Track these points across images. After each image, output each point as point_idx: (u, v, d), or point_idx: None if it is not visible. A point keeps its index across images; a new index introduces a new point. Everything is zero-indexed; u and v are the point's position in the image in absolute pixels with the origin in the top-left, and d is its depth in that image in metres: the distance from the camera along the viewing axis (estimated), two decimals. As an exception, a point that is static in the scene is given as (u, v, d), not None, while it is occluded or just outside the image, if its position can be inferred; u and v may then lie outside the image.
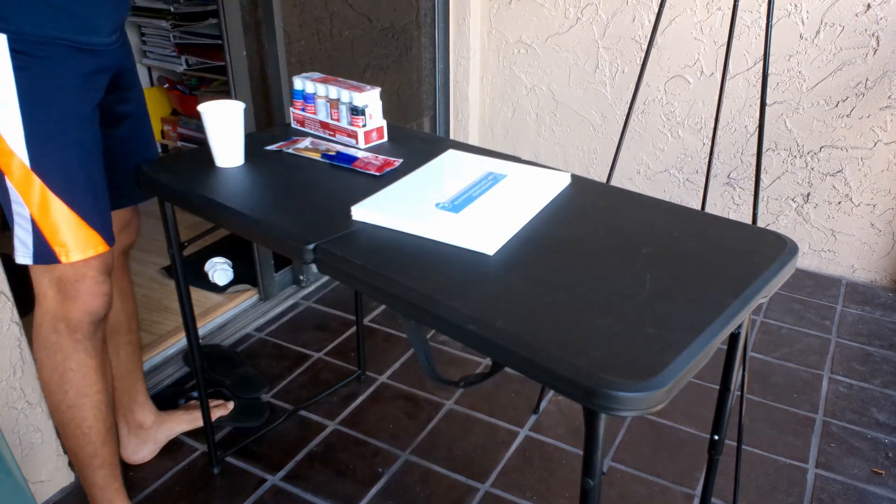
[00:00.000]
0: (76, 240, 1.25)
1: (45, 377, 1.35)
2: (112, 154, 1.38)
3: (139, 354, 1.68)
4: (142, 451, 1.72)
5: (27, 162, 1.18)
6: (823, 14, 2.31)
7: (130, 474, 1.68)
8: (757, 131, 2.50)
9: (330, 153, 1.41)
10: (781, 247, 1.06)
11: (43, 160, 1.19)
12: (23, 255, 1.25)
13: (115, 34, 1.29)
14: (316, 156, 1.40)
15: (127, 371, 1.64)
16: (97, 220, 1.28)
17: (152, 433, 1.73)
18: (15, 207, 1.22)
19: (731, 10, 1.79)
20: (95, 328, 1.34)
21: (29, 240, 1.23)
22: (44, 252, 1.24)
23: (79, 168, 1.24)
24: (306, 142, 1.48)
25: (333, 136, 1.51)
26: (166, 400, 1.88)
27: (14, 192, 1.21)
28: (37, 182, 1.20)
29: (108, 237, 1.30)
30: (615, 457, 1.77)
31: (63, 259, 1.25)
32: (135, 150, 1.44)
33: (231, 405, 1.85)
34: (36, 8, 1.14)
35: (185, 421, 1.79)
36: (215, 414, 1.81)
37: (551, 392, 1.96)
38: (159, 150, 3.43)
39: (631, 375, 0.79)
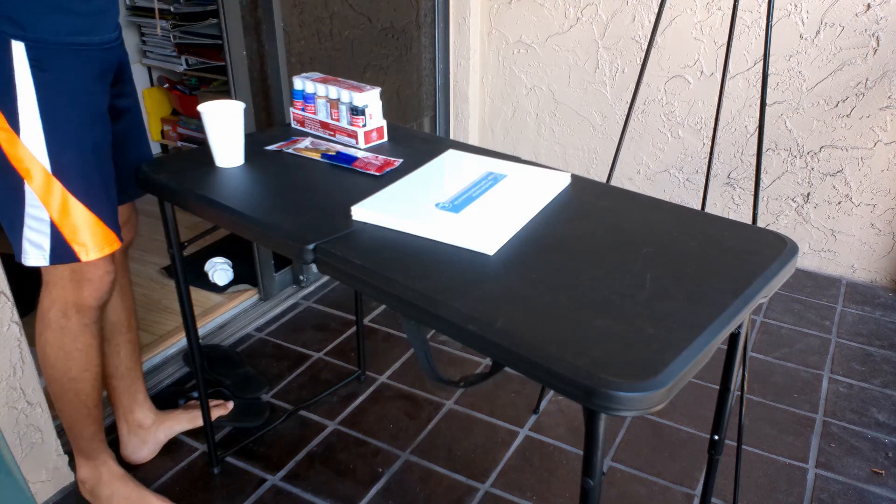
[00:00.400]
0: (95, 239, 1.30)
1: (49, 354, 1.40)
2: (112, 149, 1.39)
3: (139, 353, 1.68)
4: (142, 450, 1.72)
5: (48, 167, 1.22)
6: (823, 14, 2.31)
7: (131, 473, 1.68)
8: (757, 131, 2.50)
9: (330, 153, 1.41)
10: (781, 247, 1.06)
11: (63, 165, 1.23)
12: (35, 256, 1.28)
13: (118, 29, 1.33)
14: (316, 156, 1.40)
15: (127, 370, 1.64)
16: (112, 219, 1.33)
17: (152, 433, 1.73)
18: (30, 211, 1.24)
19: (731, 10, 1.79)
20: (100, 312, 1.42)
21: (45, 242, 1.26)
22: (62, 252, 1.28)
23: (95, 170, 1.28)
24: (306, 142, 1.48)
25: (333, 136, 1.51)
26: (166, 400, 1.88)
27: (34, 196, 1.23)
28: (58, 186, 1.23)
29: (120, 234, 1.36)
30: (615, 457, 1.77)
31: (83, 257, 1.29)
32: (132, 144, 1.46)
33: (231, 405, 1.85)
34: (51, 16, 1.16)
35: (185, 420, 1.79)
36: (215, 414, 1.81)
37: (551, 392, 1.96)
38: (157, 147, 3.44)
39: (631, 375, 0.79)
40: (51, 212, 1.24)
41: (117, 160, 1.41)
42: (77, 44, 1.21)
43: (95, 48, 1.25)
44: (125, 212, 1.51)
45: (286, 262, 2.40)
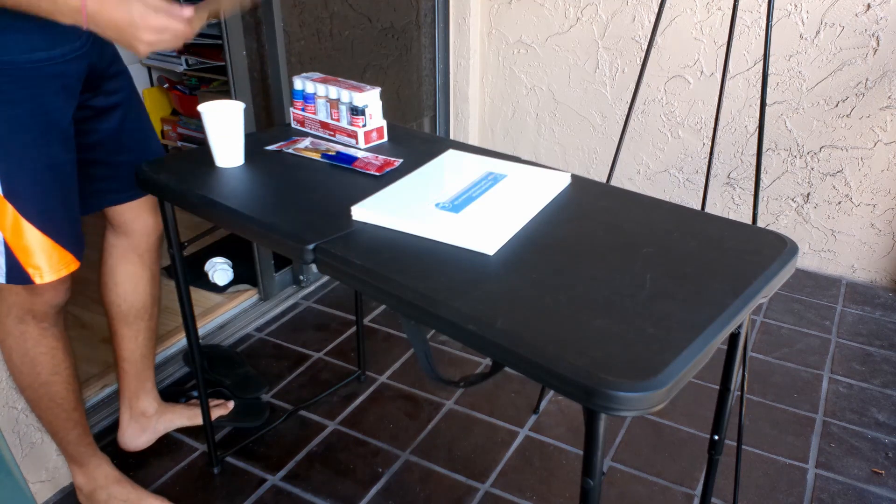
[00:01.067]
0: (50, 262, 1.26)
1: (14, 361, 1.38)
2: (107, 147, 1.38)
3: (154, 342, 1.69)
4: (139, 438, 1.73)
5: (0, 190, 1.18)
6: (823, 14, 2.31)
7: (131, 474, 1.68)
8: (757, 131, 2.50)
9: (330, 153, 1.41)
10: (781, 247, 1.06)
11: (14, 188, 1.19)
12: None
13: (86, 32, 1.28)
14: (316, 156, 1.40)
15: (141, 356, 1.65)
16: (69, 240, 1.29)
17: (153, 422, 1.74)
18: None
19: (731, 10, 1.79)
20: (59, 316, 1.39)
21: (1, 260, 1.24)
22: (17, 273, 1.25)
23: (52, 193, 1.24)
24: (306, 142, 1.48)
25: (333, 136, 1.51)
26: (166, 400, 1.87)
27: None
28: (9, 209, 1.19)
29: (80, 253, 1.32)
30: (615, 457, 1.77)
31: (37, 280, 1.26)
32: (131, 140, 1.43)
33: (231, 405, 1.85)
34: (4, 36, 1.11)
35: (185, 416, 1.80)
36: (215, 414, 1.81)
37: (551, 392, 1.96)
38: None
39: (631, 375, 0.79)
40: (4, 232, 1.21)
41: (120, 156, 1.39)
42: (35, 61, 1.15)
43: (57, 61, 1.19)
44: (150, 201, 1.51)
45: (286, 262, 2.40)
